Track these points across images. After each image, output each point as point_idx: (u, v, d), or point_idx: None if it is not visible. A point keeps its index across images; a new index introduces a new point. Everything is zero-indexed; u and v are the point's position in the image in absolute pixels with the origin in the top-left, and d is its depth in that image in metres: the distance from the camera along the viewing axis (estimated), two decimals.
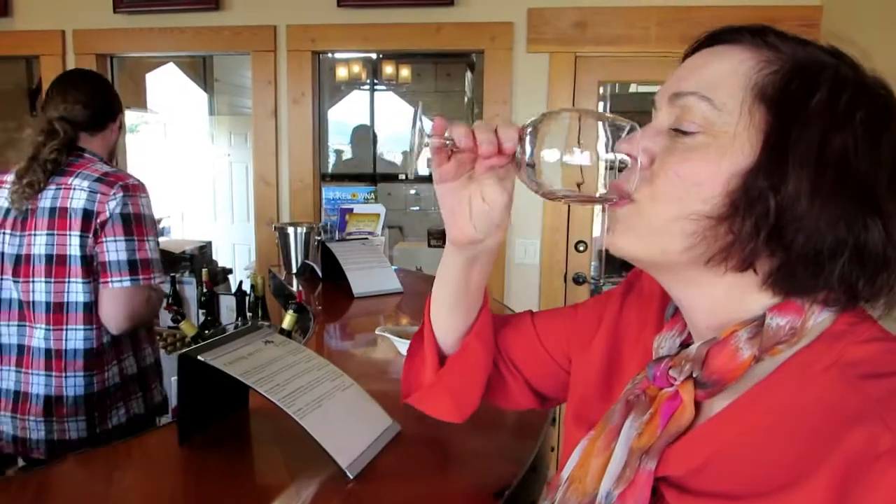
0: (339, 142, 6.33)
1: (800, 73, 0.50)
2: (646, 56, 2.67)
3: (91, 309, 1.49)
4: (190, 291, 2.96)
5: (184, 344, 2.18)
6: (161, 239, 4.18)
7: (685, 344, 0.59)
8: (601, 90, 2.73)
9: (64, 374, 1.49)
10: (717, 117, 0.50)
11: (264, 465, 0.90)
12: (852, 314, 0.51)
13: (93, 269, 1.49)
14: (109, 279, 1.48)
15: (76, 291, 1.48)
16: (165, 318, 2.82)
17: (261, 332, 0.95)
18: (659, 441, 0.53)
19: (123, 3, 2.86)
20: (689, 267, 0.53)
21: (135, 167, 3.80)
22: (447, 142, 0.56)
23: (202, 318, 2.28)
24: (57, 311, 1.48)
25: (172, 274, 2.98)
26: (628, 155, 0.53)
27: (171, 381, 1.69)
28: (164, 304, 1.75)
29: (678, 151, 0.52)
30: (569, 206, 2.80)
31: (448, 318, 0.72)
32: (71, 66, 2.97)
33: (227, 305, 2.40)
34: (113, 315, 1.49)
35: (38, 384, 1.49)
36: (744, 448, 0.49)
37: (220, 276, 3.37)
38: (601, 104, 2.74)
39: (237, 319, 2.17)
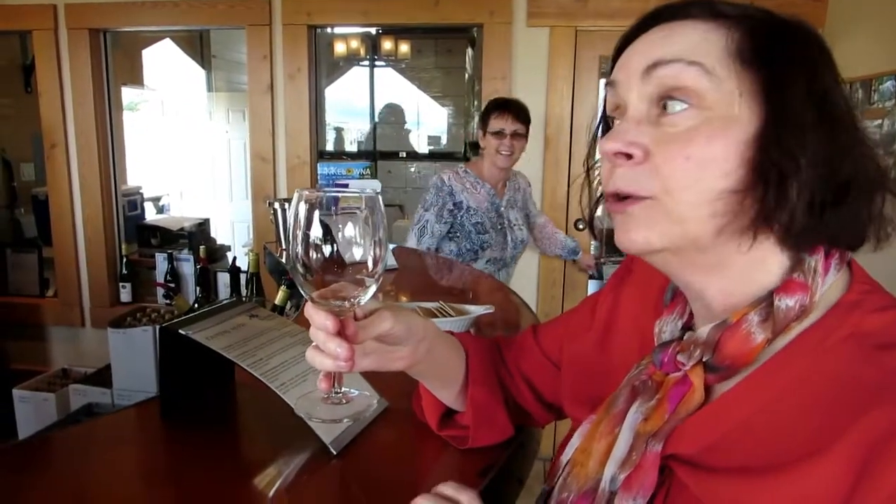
0: (339, 119, 6.28)
1: (766, 29, 0.49)
2: None
3: None
4: (188, 268, 2.96)
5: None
6: (159, 216, 4.19)
7: (686, 327, 0.57)
8: (602, 65, 2.69)
9: None
10: (710, 84, 0.47)
11: (248, 440, 0.89)
12: (864, 283, 0.50)
13: None
14: None
15: None
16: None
17: (245, 306, 0.94)
18: (667, 425, 0.52)
19: None
20: (717, 250, 0.50)
21: (133, 145, 3.77)
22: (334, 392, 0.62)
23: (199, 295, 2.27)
24: None
25: (170, 251, 2.97)
26: (614, 154, 0.50)
27: None
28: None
29: (678, 135, 0.48)
30: (568, 186, 2.77)
31: (442, 392, 0.78)
32: (64, 41, 2.93)
33: (224, 282, 2.40)
34: None
35: None
36: (760, 423, 0.47)
37: (219, 252, 3.35)
38: (601, 80, 2.69)
39: (231, 296, 2.16)
